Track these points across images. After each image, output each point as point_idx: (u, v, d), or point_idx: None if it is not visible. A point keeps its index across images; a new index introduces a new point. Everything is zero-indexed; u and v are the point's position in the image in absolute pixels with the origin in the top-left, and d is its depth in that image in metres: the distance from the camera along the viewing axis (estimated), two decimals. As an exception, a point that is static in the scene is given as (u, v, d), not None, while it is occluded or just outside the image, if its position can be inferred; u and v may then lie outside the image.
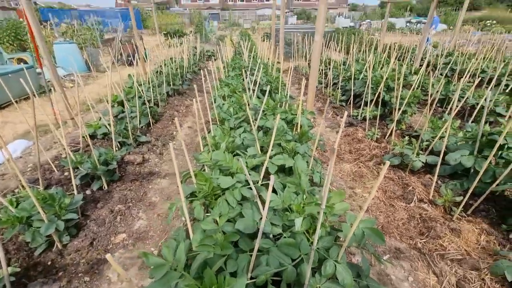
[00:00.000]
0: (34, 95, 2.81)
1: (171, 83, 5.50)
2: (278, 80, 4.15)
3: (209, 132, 2.96)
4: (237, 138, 2.63)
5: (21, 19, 14.02)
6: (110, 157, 2.80)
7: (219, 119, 3.17)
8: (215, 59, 11.17)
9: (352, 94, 4.65)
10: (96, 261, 2.11)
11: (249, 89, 3.95)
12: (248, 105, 3.30)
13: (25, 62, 7.45)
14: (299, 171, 1.65)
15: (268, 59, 6.27)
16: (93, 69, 9.14)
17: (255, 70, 4.91)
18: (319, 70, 6.52)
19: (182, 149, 3.94)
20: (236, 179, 1.74)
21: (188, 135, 4.34)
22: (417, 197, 2.68)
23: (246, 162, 1.96)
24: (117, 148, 3.33)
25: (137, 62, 7.63)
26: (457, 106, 3.08)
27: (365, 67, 4.96)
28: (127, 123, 3.50)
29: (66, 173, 3.06)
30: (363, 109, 4.32)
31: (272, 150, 2.24)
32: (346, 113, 1.71)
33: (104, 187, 2.76)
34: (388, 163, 1.00)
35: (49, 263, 2.03)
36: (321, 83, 6.44)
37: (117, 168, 3.02)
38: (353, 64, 4.74)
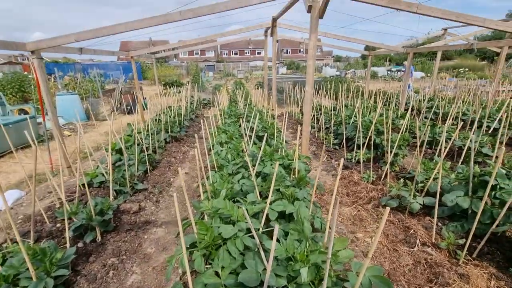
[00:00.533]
0: (35, 144, 2.87)
1: (169, 130, 5.66)
2: (273, 126, 4.34)
3: (207, 178, 2.98)
4: (236, 184, 2.65)
5: (26, 73, 14.78)
6: (106, 207, 2.75)
7: (217, 165, 3.22)
8: (210, 107, 11.67)
9: (344, 138, 4.83)
10: (83, 325, 1.93)
11: (246, 135, 4.09)
12: (246, 151, 3.40)
13: (26, 113, 7.66)
14: (301, 218, 1.65)
15: (263, 106, 6.60)
16: (93, 118, 9.40)
17: (250, 117, 5.15)
18: (311, 115, 6.85)
19: (178, 196, 3.90)
20: (238, 227, 1.72)
21: (186, 181, 4.33)
22: (419, 240, 2.64)
23: (247, 209, 1.95)
24: (113, 197, 3.28)
25: (136, 110, 7.92)
26: (445, 147, 3.23)
27: (354, 112, 5.25)
28: (124, 171, 3.51)
29: (58, 225, 2.95)
30: (356, 152, 4.46)
31: (271, 196, 2.25)
32: (342, 160, 1.79)
33: (98, 239, 2.65)
34: (388, 209, 1.04)
35: (31, 328, 1.85)
36: (314, 127, 6.71)
37: (112, 218, 2.94)
38: (343, 110, 5.03)
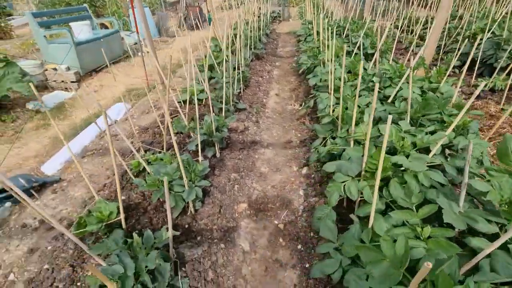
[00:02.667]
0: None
1: (253, 47, 5.21)
2: (388, 42, 3.56)
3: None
4: (365, 109, 2.29)
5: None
6: (222, 124, 2.72)
7: (332, 86, 2.82)
8: (280, 21, 10.42)
9: (478, 59, 3.81)
10: (226, 229, 2.10)
11: (352, 51, 3.47)
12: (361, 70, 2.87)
13: (106, 27, 7.79)
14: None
15: (352, 17, 5.49)
16: (164, 33, 9.28)
17: (351, 30, 4.32)
18: (413, 32, 5.51)
19: (274, 117, 3.75)
20: (417, 160, 1.44)
21: (278, 103, 4.11)
22: None
23: (415, 142, 1.63)
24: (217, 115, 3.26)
25: (201, 25, 7.35)
26: None
27: (490, 23, 3.97)
28: (228, 88, 3.37)
29: (175, 138, 3.10)
30: (494, 77, 3.53)
31: (428, 126, 1.87)
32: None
33: (217, 155, 2.73)
34: None
35: (186, 226, 2.08)
36: (419, 45, 5.50)
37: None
38: (475, 20, 3.81)
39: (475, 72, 3.65)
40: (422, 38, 5.61)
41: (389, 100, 2.23)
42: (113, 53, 5.99)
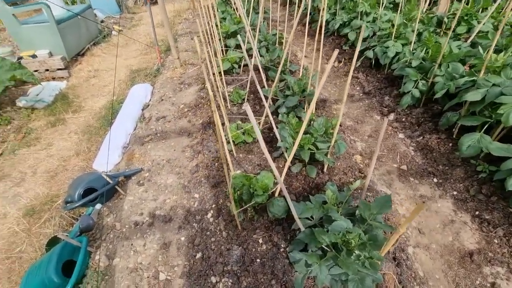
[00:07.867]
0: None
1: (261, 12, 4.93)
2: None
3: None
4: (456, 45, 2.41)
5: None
6: (306, 83, 2.62)
7: (396, 35, 2.86)
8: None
9: None
10: (362, 179, 2.11)
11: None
12: None
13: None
14: None
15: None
16: (125, 10, 8.13)
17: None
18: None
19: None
20: None
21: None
22: None
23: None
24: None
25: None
26: None
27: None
28: (280, 50, 3.19)
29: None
30: None
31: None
32: None
33: (308, 114, 2.63)
34: None
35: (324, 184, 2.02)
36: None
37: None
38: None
39: None
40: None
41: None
42: (90, 32, 5.09)
